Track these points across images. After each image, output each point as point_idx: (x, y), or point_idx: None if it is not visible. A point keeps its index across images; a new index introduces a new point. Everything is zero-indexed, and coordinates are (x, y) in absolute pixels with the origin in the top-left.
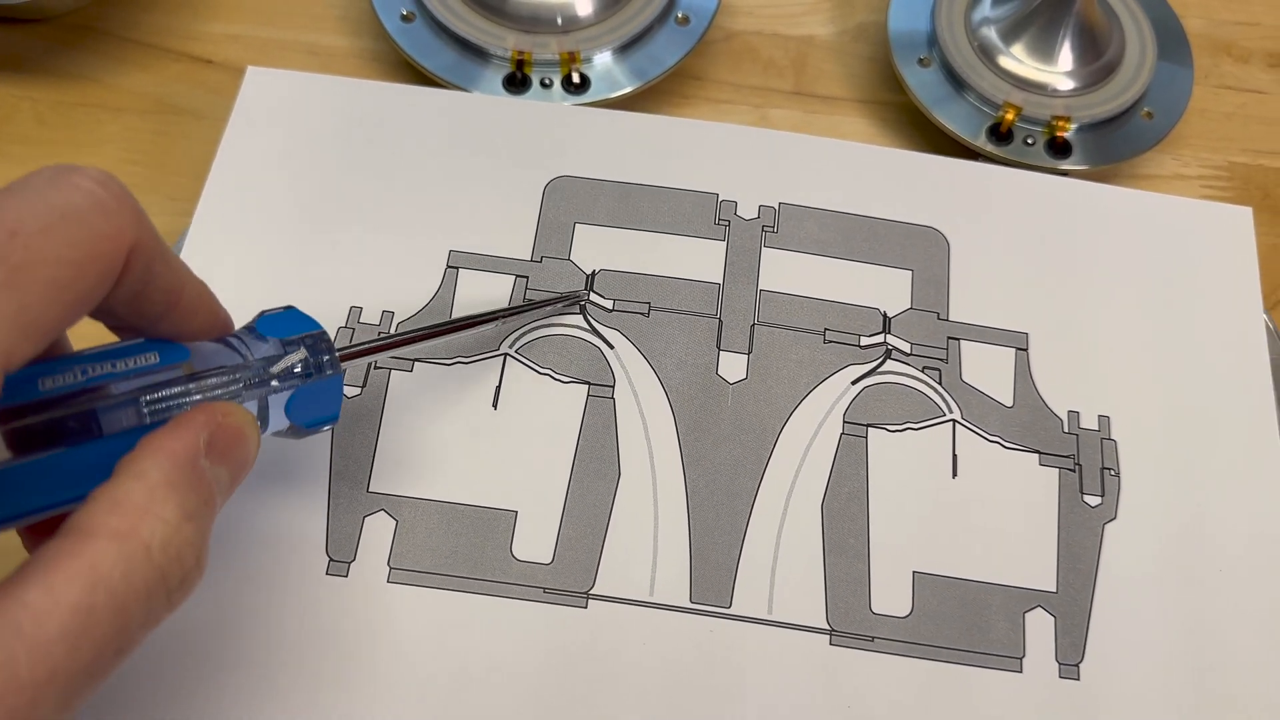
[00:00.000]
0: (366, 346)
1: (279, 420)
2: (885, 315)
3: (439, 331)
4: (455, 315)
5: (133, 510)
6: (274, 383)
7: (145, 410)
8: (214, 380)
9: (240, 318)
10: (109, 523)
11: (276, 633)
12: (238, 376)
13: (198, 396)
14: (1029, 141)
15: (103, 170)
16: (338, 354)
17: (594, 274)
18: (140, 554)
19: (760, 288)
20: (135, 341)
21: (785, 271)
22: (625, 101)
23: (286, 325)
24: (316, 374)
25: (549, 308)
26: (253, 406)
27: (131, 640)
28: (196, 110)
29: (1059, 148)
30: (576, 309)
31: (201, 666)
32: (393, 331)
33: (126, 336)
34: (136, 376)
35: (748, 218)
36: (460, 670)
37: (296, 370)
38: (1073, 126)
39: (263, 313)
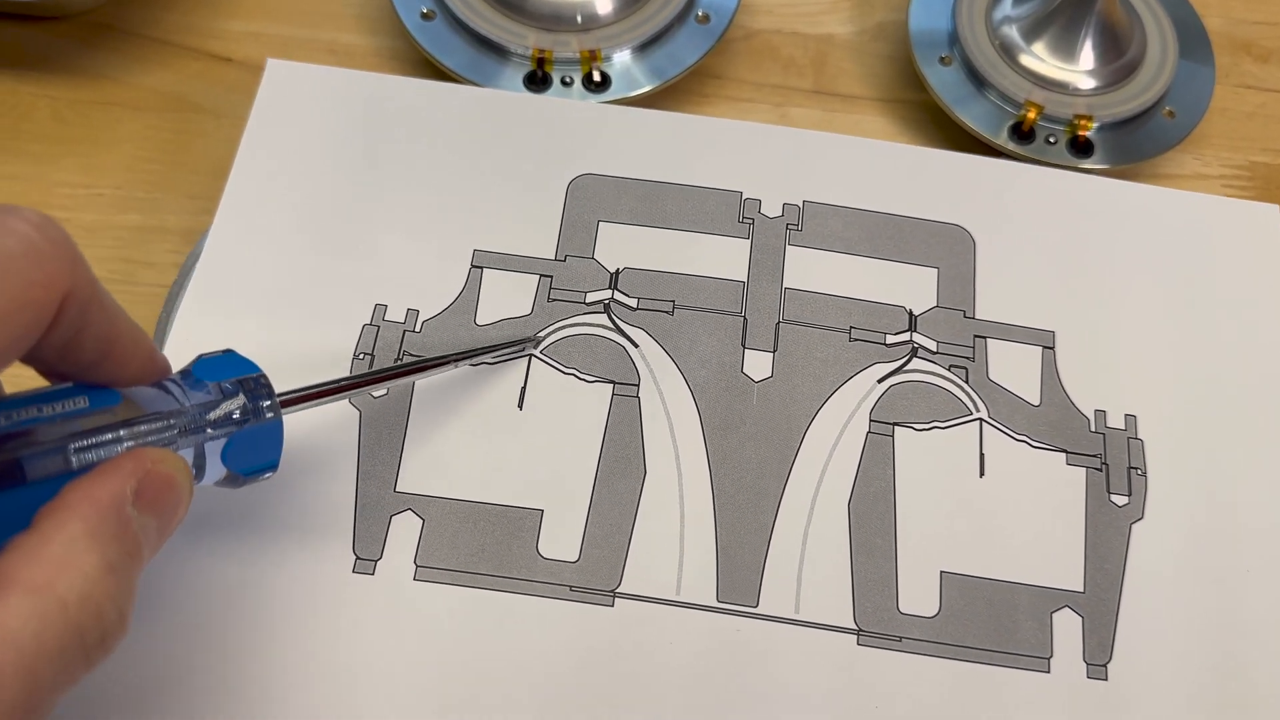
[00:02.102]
0: (306, 392)
1: (216, 469)
2: (911, 313)
3: (380, 378)
4: (479, 314)
5: (49, 562)
6: (210, 430)
7: (73, 458)
8: (146, 426)
9: (270, 315)
10: (22, 575)
11: (303, 630)
12: (172, 423)
13: (130, 443)
14: (1051, 140)
15: (40, 213)
16: (279, 399)
17: (618, 272)
18: (55, 610)
19: (785, 286)
20: (64, 386)
21: (810, 269)
22: (645, 100)
23: (224, 369)
24: (254, 419)
25: (499, 352)
26: (189, 454)
27: (42, 703)
28: (216, 108)
29: (1081, 147)
30: (525, 355)
31: (228, 663)
32: (418, 329)
33: (56, 382)
34: (65, 422)
35: (772, 216)
36: (486, 668)
37: (234, 416)
38: (1094, 125)
39: (200, 356)
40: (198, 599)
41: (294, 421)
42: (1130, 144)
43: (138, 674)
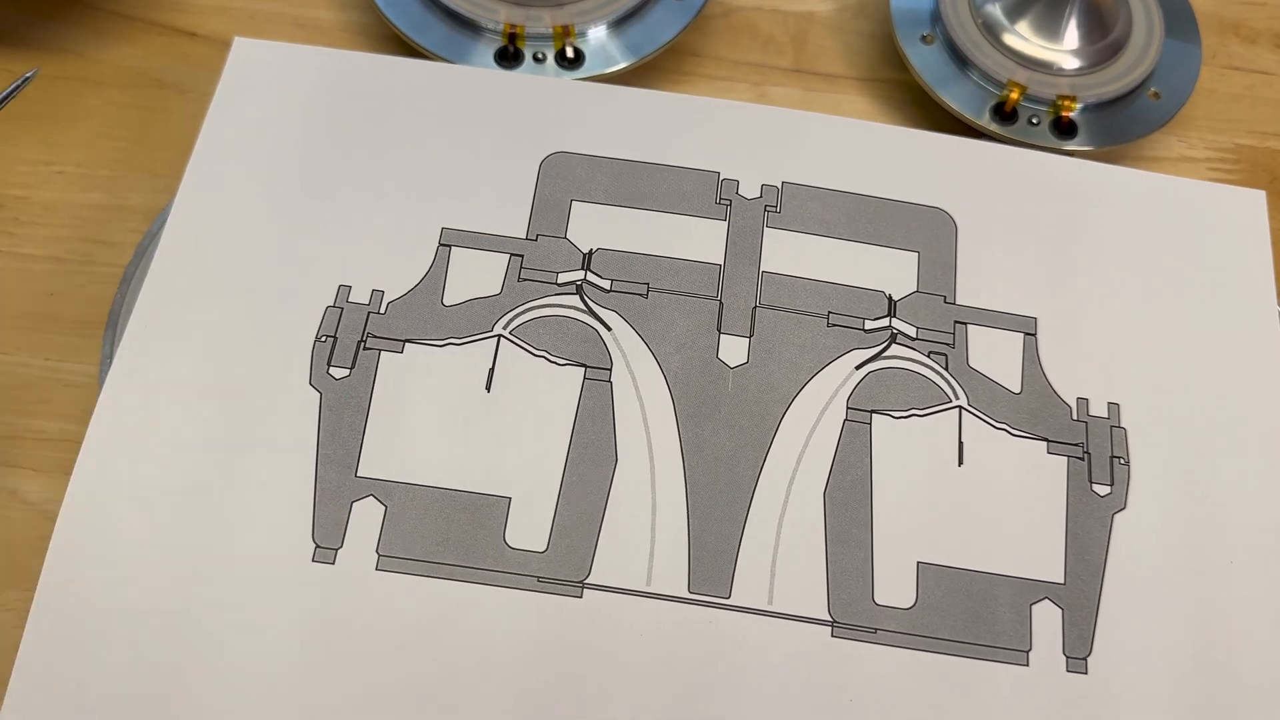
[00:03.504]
0: None
1: None
2: (890, 298)
3: None
4: (446, 294)
5: None
6: None
7: None
8: None
9: (230, 297)
10: None
11: (261, 622)
12: None
13: None
14: (1034, 121)
15: None
16: None
17: (591, 253)
18: None
19: (762, 269)
20: None
21: (788, 252)
22: (620, 77)
23: None
24: None
25: None
26: None
27: None
28: (180, 84)
29: (1064, 128)
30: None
31: (182, 657)
32: (383, 310)
33: None
34: None
35: (750, 197)
36: (451, 661)
37: None
38: (1078, 106)
39: None
40: (146, 588)
41: (251, 403)
42: (1114, 125)
43: (91, 672)
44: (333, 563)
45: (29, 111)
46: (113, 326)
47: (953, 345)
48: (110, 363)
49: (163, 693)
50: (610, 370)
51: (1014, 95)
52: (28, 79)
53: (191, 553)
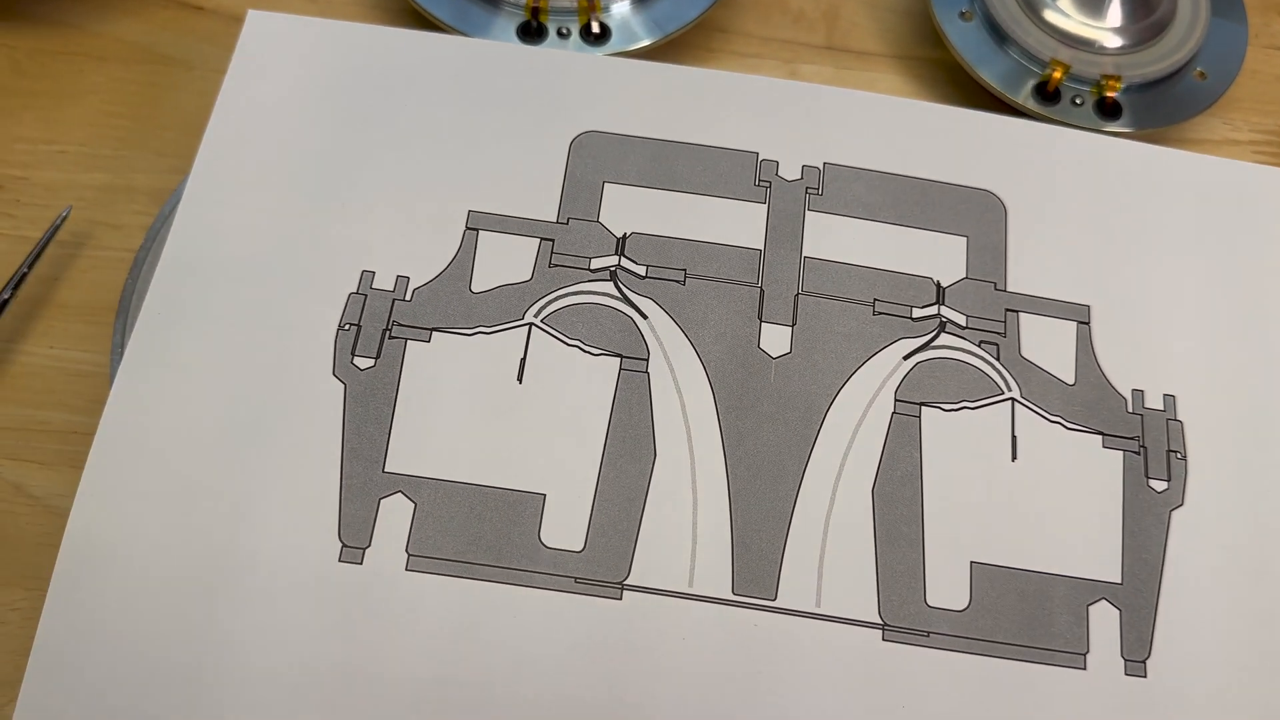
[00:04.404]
0: None
1: None
2: (939, 285)
3: None
4: (474, 280)
5: None
6: None
7: None
8: None
9: (248, 284)
10: None
11: (284, 625)
12: None
13: None
14: (1077, 101)
15: None
16: None
17: (625, 237)
18: None
19: (804, 254)
20: None
21: (831, 237)
22: (647, 54)
23: None
24: None
25: None
26: None
27: None
28: (187, 60)
29: (1108, 109)
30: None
31: (205, 661)
32: (409, 297)
33: None
34: None
35: (790, 178)
36: (485, 665)
37: None
38: (1122, 86)
39: None
40: (162, 590)
41: (271, 394)
42: (1159, 106)
43: (106, 675)
44: (360, 562)
45: (29, 88)
46: (124, 314)
47: (1004, 334)
48: (122, 352)
49: (180, 698)
50: (647, 360)
51: (1057, 74)
52: (64, 217)
53: (211, 553)
